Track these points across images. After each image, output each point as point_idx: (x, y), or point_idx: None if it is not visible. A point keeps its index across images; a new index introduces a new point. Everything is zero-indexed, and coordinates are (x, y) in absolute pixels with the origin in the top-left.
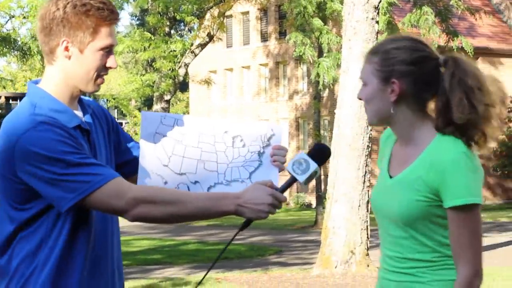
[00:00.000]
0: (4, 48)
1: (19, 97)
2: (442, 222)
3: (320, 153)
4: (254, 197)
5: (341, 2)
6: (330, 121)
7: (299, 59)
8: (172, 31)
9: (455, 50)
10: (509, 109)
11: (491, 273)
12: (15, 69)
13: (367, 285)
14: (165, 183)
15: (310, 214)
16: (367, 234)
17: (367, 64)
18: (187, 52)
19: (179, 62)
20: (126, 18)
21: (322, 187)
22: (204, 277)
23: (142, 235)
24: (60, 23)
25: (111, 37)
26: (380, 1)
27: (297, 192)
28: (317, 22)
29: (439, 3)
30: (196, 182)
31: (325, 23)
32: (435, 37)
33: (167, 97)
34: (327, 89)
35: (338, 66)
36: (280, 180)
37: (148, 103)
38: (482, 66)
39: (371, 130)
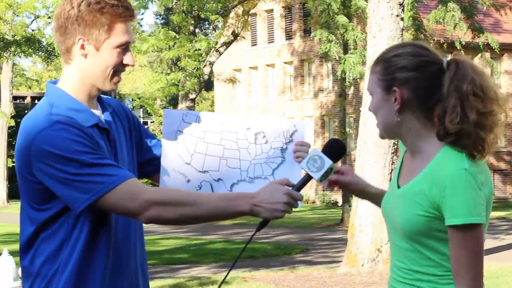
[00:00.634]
0: (29, 49)
1: None
2: (446, 237)
3: (335, 149)
4: (270, 196)
5: None
6: (355, 119)
7: (324, 57)
8: (197, 30)
9: (480, 46)
10: None
11: None
12: (41, 69)
13: None
14: (188, 181)
15: (336, 212)
16: None
17: (371, 74)
18: (211, 50)
19: (204, 61)
20: (150, 17)
21: None
22: (224, 278)
23: (169, 234)
24: (75, 21)
25: (127, 34)
26: None
27: (323, 190)
28: (342, 19)
29: None
30: (219, 179)
31: (350, 20)
32: (461, 34)
33: (192, 96)
34: (352, 87)
35: (364, 63)
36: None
37: (173, 102)
38: (508, 63)
39: None
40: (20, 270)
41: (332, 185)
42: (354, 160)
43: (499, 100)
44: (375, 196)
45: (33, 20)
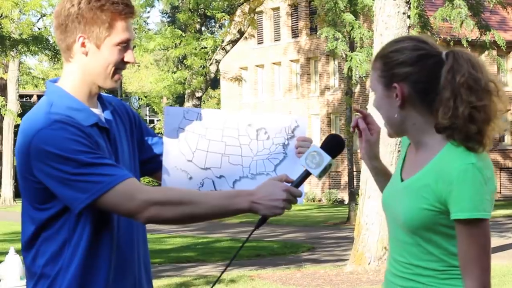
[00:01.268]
0: (36, 47)
1: None
2: (450, 232)
3: (334, 145)
4: (268, 193)
5: None
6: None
7: (330, 55)
8: (203, 28)
9: (487, 44)
10: None
11: None
12: (47, 67)
13: None
14: (190, 178)
15: (342, 211)
16: None
17: (372, 71)
18: (218, 49)
19: (210, 59)
20: (156, 16)
21: (355, 183)
22: (220, 275)
23: (175, 233)
24: (76, 19)
25: (127, 31)
26: None
27: (329, 189)
28: (348, 17)
29: None
30: (221, 176)
31: (356, 18)
32: (467, 31)
33: (198, 94)
34: (358, 85)
35: (370, 61)
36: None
37: (179, 100)
38: None
39: None
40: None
41: (355, 129)
42: (361, 158)
43: (499, 92)
44: (381, 172)
45: (40, 18)
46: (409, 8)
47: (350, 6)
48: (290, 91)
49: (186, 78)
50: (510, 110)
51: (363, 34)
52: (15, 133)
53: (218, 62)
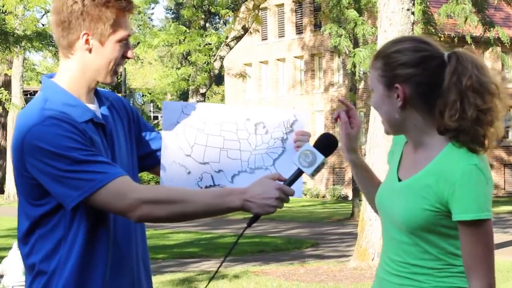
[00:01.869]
0: (40, 43)
1: None
2: (448, 232)
3: (327, 144)
4: (261, 191)
5: None
6: (366, 113)
7: (335, 51)
8: (207, 24)
9: (491, 41)
10: None
11: None
12: (51, 63)
13: None
14: (189, 173)
15: (346, 207)
16: None
17: (372, 69)
18: (222, 45)
19: (214, 55)
20: (161, 12)
21: None
22: (216, 271)
23: (179, 228)
24: (80, 16)
25: (128, 27)
26: None
27: (333, 185)
28: (352, 13)
29: None
30: (220, 171)
31: (360, 14)
32: (472, 27)
33: (202, 91)
34: (362, 81)
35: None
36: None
37: (183, 96)
38: None
39: None
40: None
41: (337, 120)
42: (365, 154)
43: (500, 94)
44: (359, 166)
45: (44, 14)
46: (413, 4)
47: (354, 3)
48: (294, 87)
49: (190, 74)
50: None
51: (366, 31)
52: None
53: (222, 58)
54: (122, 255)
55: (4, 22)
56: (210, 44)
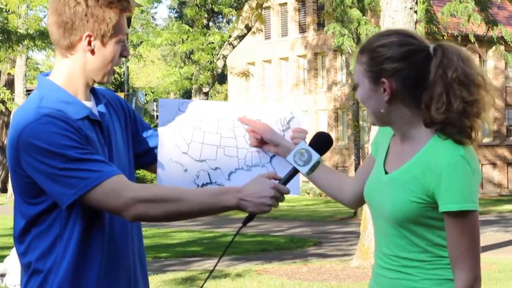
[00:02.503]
0: (43, 42)
1: None
2: (435, 223)
3: (321, 143)
4: (256, 190)
5: None
6: None
7: (338, 50)
8: (210, 23)
9: (494, 39)
10: None
11: None
12: (54, 62)
13: None
14: (185, 170)
15: None
16: None
17: (357, 64)
18: (225, 44)
19: (217, 54)
20: (164, 11)
21: None
22: (211, 271)
23: (182, 227)
24: (84, 17)
25: (126, 26)
26: None
27: None
28: (355, 12)
29: None
30: (216, 168)
31: (364, 13)
32: (475, 26)
33: (205, 90)
34: None
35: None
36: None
37: (186, 95)
38: None
39: None
40: None
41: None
42: (368, 153)
43: (486, 85)
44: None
45: (47, 13)
46: (416, 3)
47: (358, 2)
48: (297, 86)
49: (193, 73)
50: None
51: (369, 31)
52: None
53: (225, 57)
54: (118, 253)
55: (7, 21)
56: (213, 43)
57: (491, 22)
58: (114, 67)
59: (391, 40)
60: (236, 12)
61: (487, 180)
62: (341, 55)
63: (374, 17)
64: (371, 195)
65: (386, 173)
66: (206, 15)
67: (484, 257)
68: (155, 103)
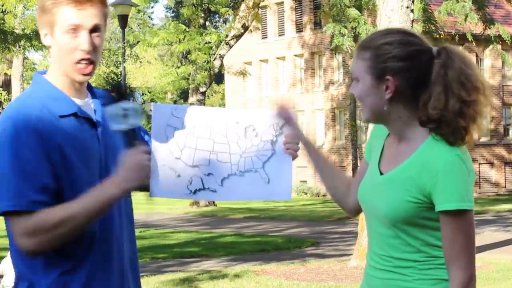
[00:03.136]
0: (39, 43)
1: None
2: (430, 224)
3: (120, 90)
4: (126, 167)
5: None
6: None
7: (335, 49)
8: (207, 23)
9: (492, 38)
10: None
11: None
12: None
13: None
14: (178, 176)
15: None
16: None
17: (359, 60)
18: (222, 43)
19: (214, 54)
20: (161, 11)
21: None
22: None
23: (179, 228)
24: (41, 12)
25: (75, 17)
26: None
27: None
28: (353, 12)
29: None
30: (209, 174)
31: (360, 12)
32: (472, 25)
33: (202, 89)
34: None
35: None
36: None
37: (183, 95)
38: None
39: None
40: None
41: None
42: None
43: (485, 90)
44: (322, 164)
45: None
46: (413, 2)
47: (355, 1)
48: (294, 85)
49: (190, 73)
50: None
51: (368, 30)
52: None
53: (222, 57)
54: (106, 256)
55: (3, 22)
56: (210, 42)
57: (488, 21)
58: (81, 64)
59: (395, 39)
60: (232, 12)
61: (485, 180)
62: (338, 54)
63: (371, 16)
64: (365, 197)
65: (381, 174)
66: (202, 15)
67: (482, 257)
68: (152, 103)
